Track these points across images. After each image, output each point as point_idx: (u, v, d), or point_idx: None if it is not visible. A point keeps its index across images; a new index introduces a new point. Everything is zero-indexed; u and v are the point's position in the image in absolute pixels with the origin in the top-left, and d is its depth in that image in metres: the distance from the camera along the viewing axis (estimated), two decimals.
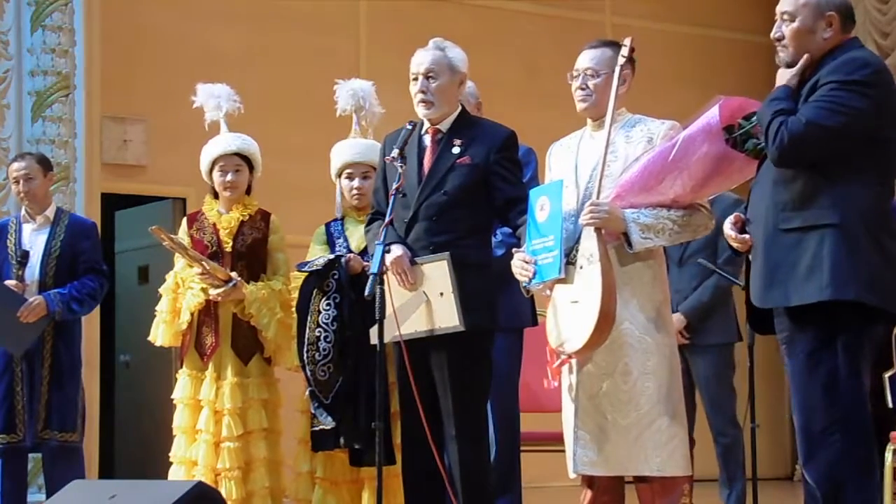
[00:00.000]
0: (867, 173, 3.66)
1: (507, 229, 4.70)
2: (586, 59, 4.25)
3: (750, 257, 3.92)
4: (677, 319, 5.85)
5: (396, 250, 4.45)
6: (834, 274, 3.59)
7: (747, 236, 3.90)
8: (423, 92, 4.57)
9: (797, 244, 3.66)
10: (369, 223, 4.73)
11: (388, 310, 4.36)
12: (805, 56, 3.77)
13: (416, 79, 4.59)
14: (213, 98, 5.50)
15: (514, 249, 4.30)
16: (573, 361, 4.12)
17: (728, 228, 3.96)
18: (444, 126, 4.61)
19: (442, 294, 4.39)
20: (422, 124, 4.65)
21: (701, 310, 5.94)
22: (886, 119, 3.66)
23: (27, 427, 5.66)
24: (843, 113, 3.60)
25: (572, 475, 4.18)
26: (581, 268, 4.03)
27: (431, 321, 4.42)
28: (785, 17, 3.79)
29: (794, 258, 3.66)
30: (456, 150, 4.56)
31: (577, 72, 4.25)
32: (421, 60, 4.60)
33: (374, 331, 4.40)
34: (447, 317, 4.38)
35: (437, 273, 4.40)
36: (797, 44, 3.78)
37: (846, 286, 3.60)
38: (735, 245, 3.97)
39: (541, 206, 4.17)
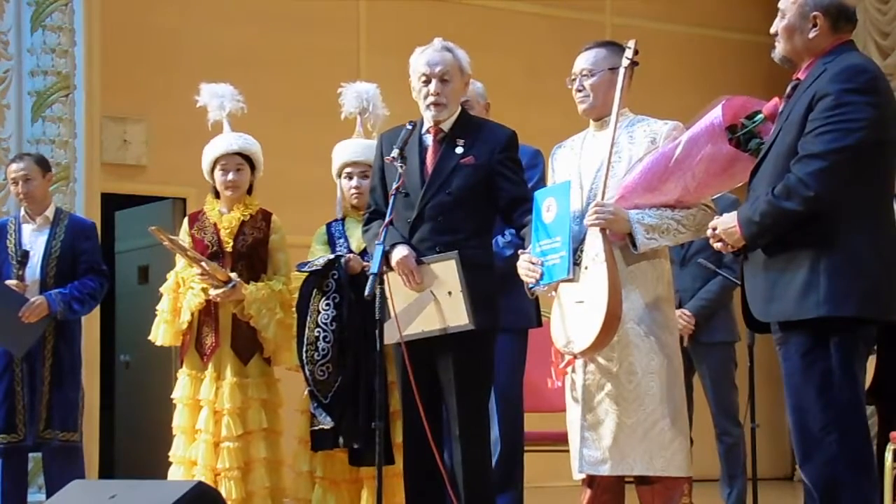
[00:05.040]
0: (863, 180, 3.61)
1: (514, 229, 4.69)
2: (582, 61, 4.25)
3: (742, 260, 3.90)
4: (687, 318, 5.85)
5: (402, 250, 4.42)
6: (831, 290, 3.57)
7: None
8: (438, 94, 4.50)
9: (795, 257, 3.64)
10: (367, 223, 4.70)
11: (392, 310, 4.36)
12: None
13: (427, 80, 4.53)
14: (216, 98, 5.50)
15: (520, 251, 4.30)
16: (578, 362, 4.12)
17: (711, 232, 3.91)
18: (446, 126, 4.57)
19: (450, 293, 4.38)
20: (421, 123, 4.62)
21: (709, 307, 5.94)
22: (887, 124, 3.64)
23: (28, 427, 5.66)
24: (857, 129, 3.56)
25: (577, 475, 4.17)
26: (586, 268, 4.02)
27: (441, 320, 4.40)
28: (779, 13, 3.81)
29: (792, 272, 3.63)
30: (459, 149, 4.52)
31: (574, 75, 4.26)
32: (435, 61, 4.52)
33: (387, 327, 4.39)
34: (457, 315, 4.37)
35: (446, 272, 4.39)
36: (785, 40, 3.80)
37: (844, 303, 3.57)
38: (716, 247, 3.93)
39: (547, 207, 4.15)
